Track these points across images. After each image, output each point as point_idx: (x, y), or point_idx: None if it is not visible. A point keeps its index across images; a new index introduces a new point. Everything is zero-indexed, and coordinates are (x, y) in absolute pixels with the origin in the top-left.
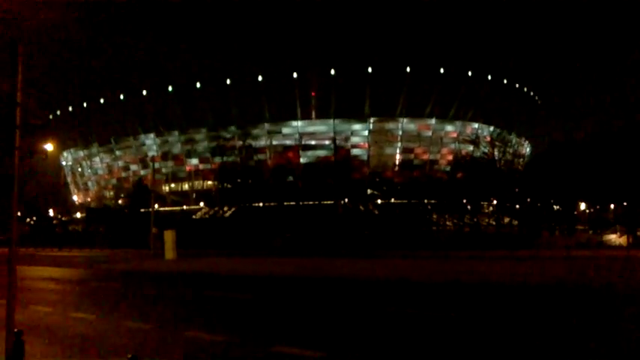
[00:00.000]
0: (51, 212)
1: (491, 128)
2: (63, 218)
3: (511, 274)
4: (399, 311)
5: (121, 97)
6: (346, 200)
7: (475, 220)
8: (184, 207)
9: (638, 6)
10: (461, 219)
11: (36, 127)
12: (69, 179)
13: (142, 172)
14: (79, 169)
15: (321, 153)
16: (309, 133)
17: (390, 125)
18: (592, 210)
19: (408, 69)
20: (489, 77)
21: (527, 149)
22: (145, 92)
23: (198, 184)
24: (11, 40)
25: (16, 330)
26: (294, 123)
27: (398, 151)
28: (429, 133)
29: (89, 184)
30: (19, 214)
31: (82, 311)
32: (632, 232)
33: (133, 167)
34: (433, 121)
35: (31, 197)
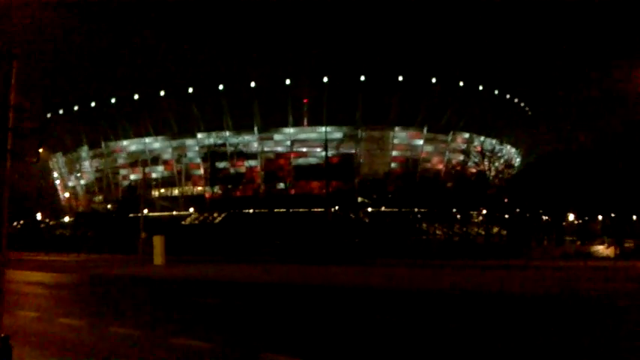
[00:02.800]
0: (39, 216)
1: (482, 138)
2: (51, 222)
3: (500, 283)
4: (388, 319)
5: (112, 100)
6: (337, 208)
7: (465, 229)
8: (174, 212)
9: (629, 18)
10: (450, 228)
11: (29, 131)
12: (58, 183)
13: (132, 177)
14: (68, 173)
15: (313, 160)
16: (300, 140)
17: (382, 134)
18: (580, 221)
19: (400, 78)
20: (480, 87)
21: (517, 159)
22: (136, 96)
23: (188, 189)
24: (6, 42)
25: (3, 335)
26: (286, 130)
27: (389, 159)
28: (420, 142)
29: (78, 188)
30: None
31: (69, 316)
32: (619, 244)
33: (123, 172)
34: (424, 130)
35: (18, 200)
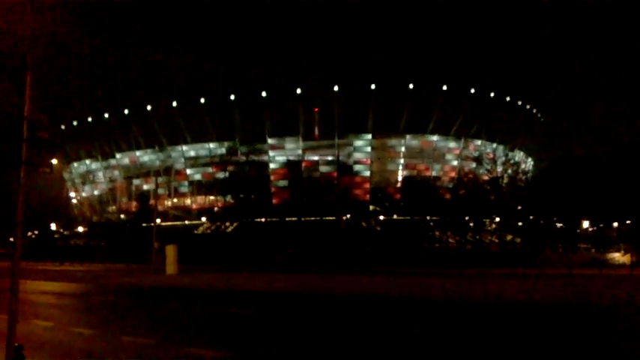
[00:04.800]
0: (53, 226)
1: (494, 145)
2: (65, 232)
3: (514, 292)
4: (402, 330)
5: (125, 111)
6: (348, 216)
7: (478, 237)
8: (186, 222)
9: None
10: (463, 236)
11: (43, 141)
12: (71, 193)
13: (145, 187)
14: (82, 183)
15: (324, 169)
16: (312, 149)
17: (393, 142)
18: (595, 228)
19: (411, 86)
20: (492, 94)
21: (530, 166)
22: (149, 107)
23: (200, 199)
24: (21, 54)
25: (16, 344)
26: (297, 138)
27: (400, 167)
28: (432, 150)
29: (91, 198)
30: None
31: (82, 326)
32: (635, 251)
33: (136, 182)
34: (436, 137)
35: (33, 210)
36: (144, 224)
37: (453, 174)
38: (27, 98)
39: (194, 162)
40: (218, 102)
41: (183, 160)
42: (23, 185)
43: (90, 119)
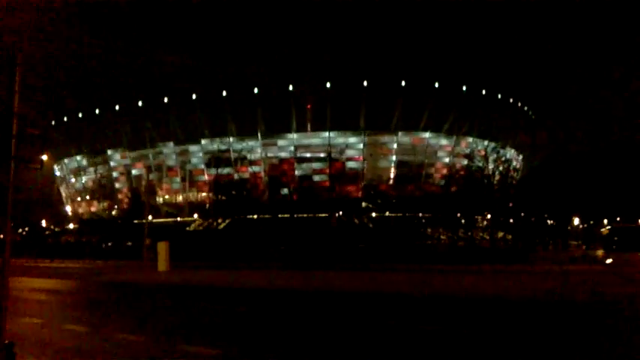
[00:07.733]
0: (43, 223)
1: (486, 142)
2: (55, 229)
3: (503, 288)
4: (395, 326)
5: (116, 107)
6: (340, 213)
7: (469, 234)
8: (178, 219)
9: (630, 20)
10: (455, 233)
11: (33, 137)
12: (62, 190)
13: (136, 183)
14: (73, 180)
15: (316, 166)
16: (304, 146)
17: (385, 138)
18: (585, 225)
19: (403, 83)
20: (484, 91)
21: (522, 164)
22: (140, 103)
23: (192, 195)
24: (10, 50)
25: (7, 342)
26: (290, 135)
27: (392, 164)
28: (424, 147)
29: (82, 194)
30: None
31: (73, 323)
32: None
33: (127, 178)
34: (428, 134)
35: (23, 207)
36: (135, 221)
37: (444, 171)
38: (16, 93)
39: (186, 158)
40: (210, 98)
41: (174, 156)
42: (12, 181)
43: (80, 115)
